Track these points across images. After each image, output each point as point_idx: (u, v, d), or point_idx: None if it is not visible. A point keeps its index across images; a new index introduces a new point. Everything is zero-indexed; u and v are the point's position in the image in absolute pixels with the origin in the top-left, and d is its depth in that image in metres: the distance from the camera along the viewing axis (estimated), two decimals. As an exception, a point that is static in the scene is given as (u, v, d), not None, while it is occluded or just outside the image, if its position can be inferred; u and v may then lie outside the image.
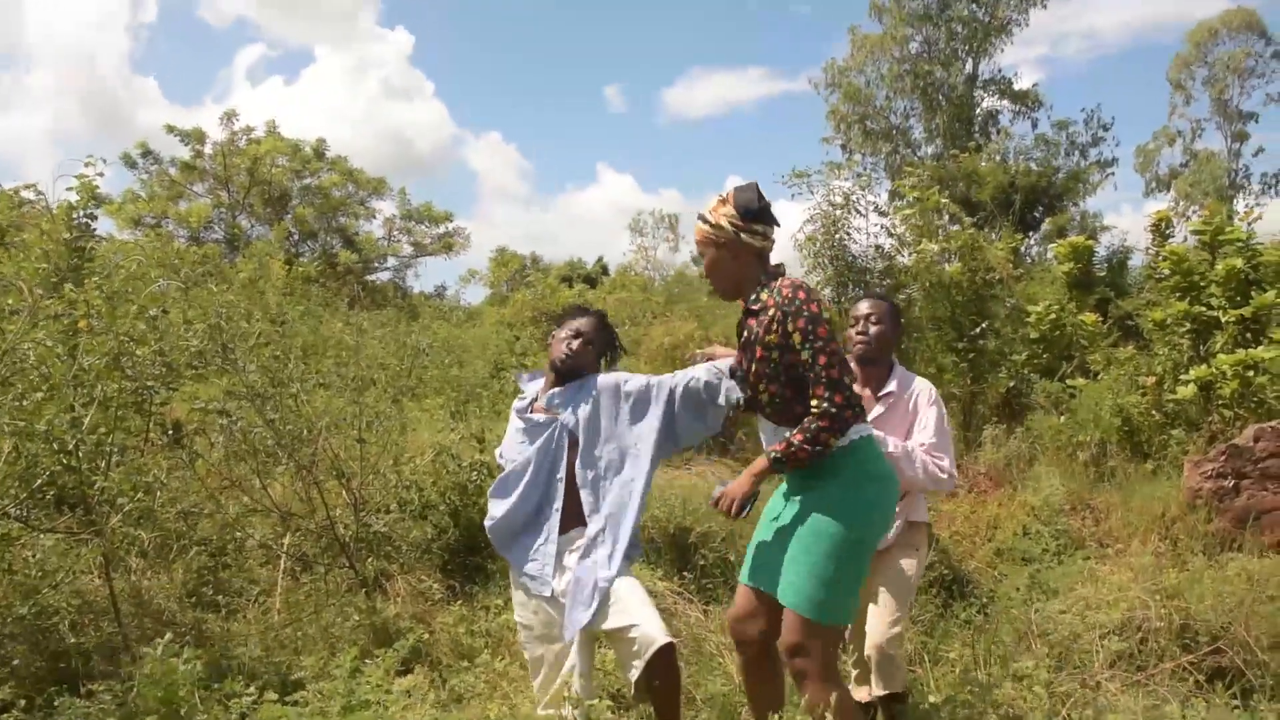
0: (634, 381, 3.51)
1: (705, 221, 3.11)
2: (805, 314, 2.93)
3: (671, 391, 3.45)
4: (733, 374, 3.27)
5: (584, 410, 3.47)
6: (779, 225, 3.11)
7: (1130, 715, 3.90)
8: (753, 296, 3.08)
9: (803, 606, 2.91)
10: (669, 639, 3.13)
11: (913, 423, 3.90)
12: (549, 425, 3.48)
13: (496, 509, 3.51)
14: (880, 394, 3.92)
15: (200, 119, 48.06)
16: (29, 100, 62.89)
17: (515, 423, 3.59)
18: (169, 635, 3.52)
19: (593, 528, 3.38)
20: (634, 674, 3.14)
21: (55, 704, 3.38)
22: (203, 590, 4.84)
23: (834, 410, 2.89)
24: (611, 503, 3.38)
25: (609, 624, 3.22)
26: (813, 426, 2.90)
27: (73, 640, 4.05)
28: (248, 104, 70.19)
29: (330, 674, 3.34)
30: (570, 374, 3.53)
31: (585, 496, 3.41)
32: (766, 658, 3.16)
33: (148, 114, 62.53)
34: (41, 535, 4.30)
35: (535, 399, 3.59)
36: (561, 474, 3.44)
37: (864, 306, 3.99)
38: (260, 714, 3.07)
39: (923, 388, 3.97)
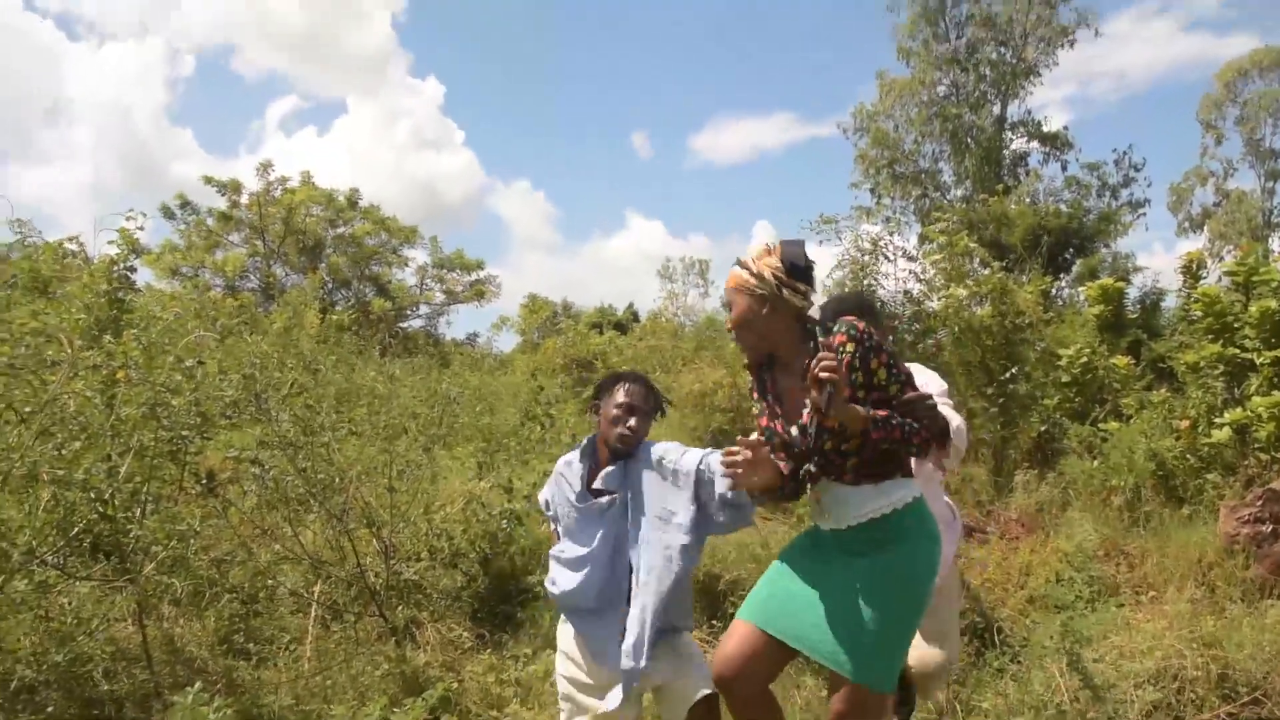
0: (670, 456, 3.34)
1: (745, 269, 2.93)
2: (883, 349, 2.86)
3: (699, 474, 3.26)
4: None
5: (636, 487, 3.36)
6: (816, 292, 2.96)
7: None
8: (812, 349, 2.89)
9: (866, 679, 2.82)
10: (713, 689, 3.11)
11: None
12: (610, 505, 3.36)
13: (561, 579, 3.41)
14: None
15: (234, 169, 49.19)
16: (70, 153, 64.57)
17: (570, 495, 3.44)
18: (200, 684, 3.55)
19: (635, 606, 3.27)
20: None
21: (88, 752, 3.42)
22: (234, 638, 4.87)
23: (926, 436, 2.84)
24: (654, 579, 3.26)
25: (660, 679, 3.23)
26: (917, 428, 2.82)
27: (106, 687, 4.10)
28: (281, 154, 71.50)
29: (359, 723, 3.36)
30: (629, 452, 3.40)
31: (640, 575, 3.29)
32: (766, 693, 3.06)
33: (183, 165, 63.87)
34: (77, 583, 4.37)
35: (588, 474, 3.45)
36: (625, 552, 3.33)
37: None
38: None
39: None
